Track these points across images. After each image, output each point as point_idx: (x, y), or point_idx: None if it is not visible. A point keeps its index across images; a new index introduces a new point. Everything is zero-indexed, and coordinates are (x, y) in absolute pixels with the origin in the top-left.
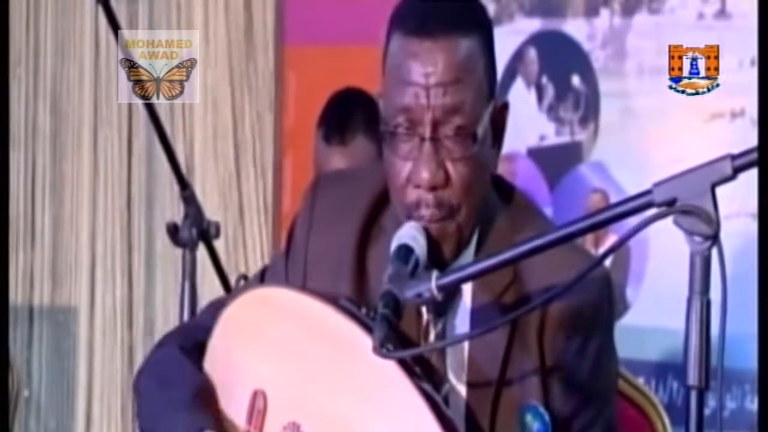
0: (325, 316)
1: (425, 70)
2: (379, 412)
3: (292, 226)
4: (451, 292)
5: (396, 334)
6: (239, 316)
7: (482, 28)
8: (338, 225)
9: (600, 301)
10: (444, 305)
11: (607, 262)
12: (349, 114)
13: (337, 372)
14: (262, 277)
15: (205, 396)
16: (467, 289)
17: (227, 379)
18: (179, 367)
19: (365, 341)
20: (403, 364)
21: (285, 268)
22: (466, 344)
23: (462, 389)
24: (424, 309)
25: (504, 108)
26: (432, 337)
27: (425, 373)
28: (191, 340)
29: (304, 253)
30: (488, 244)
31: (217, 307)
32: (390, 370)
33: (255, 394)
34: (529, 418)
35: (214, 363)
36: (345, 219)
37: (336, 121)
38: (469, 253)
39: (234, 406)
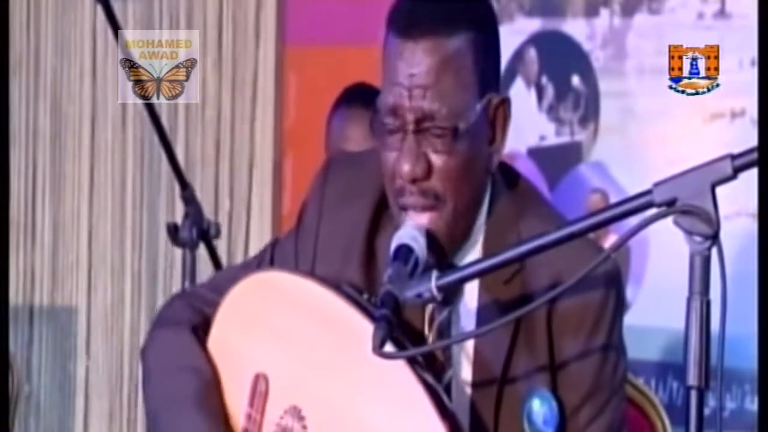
0: (328, 302)
1: (409, 71)
2: (379, 399)
3: (303, 207)
4: None
5: (399, 323)
6: (243, 299)
7: (475, 25)
8: (348, 208)
9: (608, 294)
10: (450, 294)
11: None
12: (371, 88)
13: (339, 358)
14: (272, 256)
15: (212, 384)
16: None
17: (230, 361)
18: (189, 352)
19: (367, 328)
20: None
21: (294, 250)
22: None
23: (466, 383)
24: None
25: (502, 103)
26: (437, 323)
27: (427, 362)
28: (199, 314)
29: (314, 236)
30: (493, 231)
31: (225, 280)
32: None
33: (257, 378)
34: (536, 403)
35: (216, 345)
36: (355, 204)
37: (358, 89)
38: (475, 240)
39: (236, 389)
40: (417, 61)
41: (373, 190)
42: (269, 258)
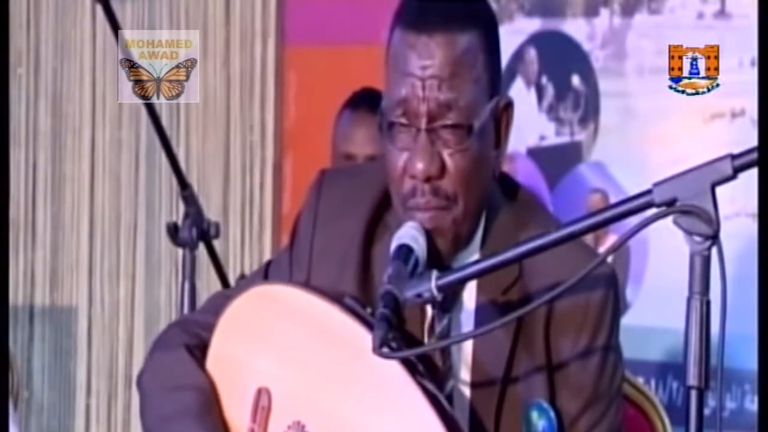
0: (330, 316)
1: (422, 63)
2: (383, 412)
3: (297, 221)
4: (456, 289)
5: (400, 332)
6: (243, 313)
7: (483, 25)
8: (343, 221)
9: (605, 298)
10: (449, 302)
11: (609, 260)
12: (378, 92)
13: (342, 371)
14: (266, 273)
15: (212, 400)
16: (472, 285)
17: (231, 377)
18: (186, 371)
19: (369, 341)
20: (406, 362)
21: (289, 263)
22: (469, 342)
23: (466, 388)
24: (428, 305)
25: (508, 106)
26: (436, 333)
27: (428, 372)
28: (195, 338)
29: (308, 249)
30: (492, 241)
31: (219, 302)
32: (393, 369)
33: (259, 392)
34: (534, 415)
35: (217, 360)
36: (350, 215)
37: (366, 93)
38: (473, 250)
39: (238, 403)
40: (431, 53)
41: (367, 202)
42: (263, 275)
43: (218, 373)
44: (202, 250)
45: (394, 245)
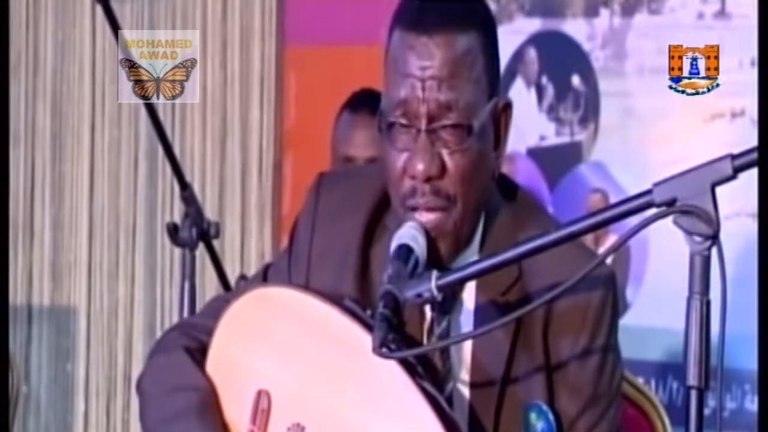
0: (330, 317)
1: (422, 63)
2: (383, 414)
3: (295, 224)
4: (455, 290)
5: (399, 333)
6: (242, 315)
7: (482, 26)
8: (342, 223)
9: (604, 299)
10: (448, 303)
11: (609, 261)
12: (377, 93)
13: (341, 373)
14: (265, 275)
15: (212, 401)
16: (471, 286)
17: (230, 379)
18: (186, 372)
19: (369, 342)
20: (405, 364)
21: (288, 266)
22: (469, 343)
23: (465, 388)
24: (427, 307)
25: (507, 107)
26: (436, 335)
27: (428, 373)
28: (195, 341)
29: (307, 251)
30: (491, 242)
31: (218, 306)
32: (393, 370)
33: (259, 394)
34: (533, 416)
35: (216, 362)
36: (348, 217)
37: (365, 95)
38: (472, 251)
39: (238, 405)
40: (430, 54)
41: (366, 204)
42: (262, 278)
43: (218, 376)
44: (202, 250)
45: (394, 245)
